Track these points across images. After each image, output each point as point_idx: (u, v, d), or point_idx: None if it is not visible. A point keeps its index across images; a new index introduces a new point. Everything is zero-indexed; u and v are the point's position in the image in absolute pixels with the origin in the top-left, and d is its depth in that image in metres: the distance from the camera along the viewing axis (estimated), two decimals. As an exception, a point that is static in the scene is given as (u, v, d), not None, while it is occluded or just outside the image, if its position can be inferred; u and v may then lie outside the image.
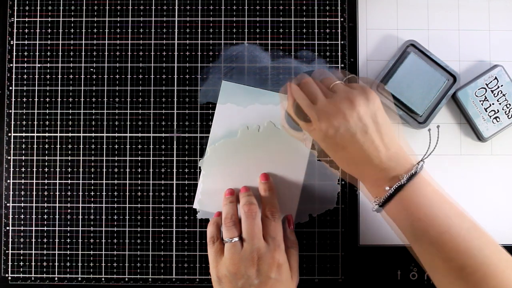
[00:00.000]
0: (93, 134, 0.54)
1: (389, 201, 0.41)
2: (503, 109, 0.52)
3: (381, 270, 0.53)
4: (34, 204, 0.54)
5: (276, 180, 0.53)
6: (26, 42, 0.55)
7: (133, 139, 0.54)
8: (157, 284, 0.53)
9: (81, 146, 0.54)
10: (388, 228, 0.53)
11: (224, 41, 0.54)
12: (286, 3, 0.55)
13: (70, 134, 0.54)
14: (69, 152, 0.54)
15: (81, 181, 0.54)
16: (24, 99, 0.54)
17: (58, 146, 0.54)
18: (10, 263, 0.54)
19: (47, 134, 0.54)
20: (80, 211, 0.54)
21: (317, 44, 0.54)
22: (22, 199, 0.54)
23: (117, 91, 0.54)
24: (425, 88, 0.52)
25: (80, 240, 0.54)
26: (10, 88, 0.54)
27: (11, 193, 0.54)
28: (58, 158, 0.54)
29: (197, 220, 0.54)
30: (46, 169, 0.54)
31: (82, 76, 0.54)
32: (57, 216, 0.54)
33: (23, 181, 0.54)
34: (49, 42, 0.55)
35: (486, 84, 0.52)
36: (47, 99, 0.54)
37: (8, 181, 0.54)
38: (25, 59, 0.55)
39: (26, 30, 0.55)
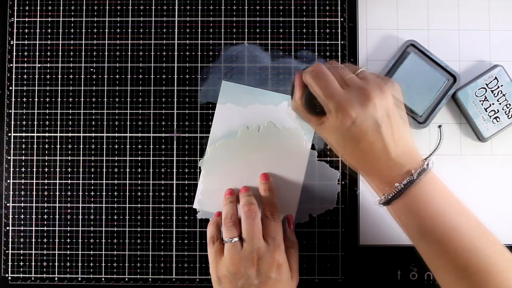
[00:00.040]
0: (93, 134, 0.54)
1: (398, 197, 0.40)
2: (503, 109, 0.52)
3: (381, 270, 0.53)
4: (34, 204, 0.54)
5: (276, 180, 0.53)
6: (26, 42, 0.55)
7: (133, 139, 0.54)
8: (157, 284, 0.53)
9: (81, 146, 0.54)
10: (388, 228, 0.53)
11: (224, 41, 0.54)
12: (286, 3, 0.55)
13: (70, 134, 0.54)
14: (69, 152, 0.54)
15: (81, 181, 0.54)
16: (24, 99, 0.54)
17: (58, 146, 0.54)
18: (10, 263, 0.54)
19: (47, 134, 0.54)
20: (80, 211, 0.54)
21: (317, 44, 0.54)
22: (22, 199, 0.54)
23: (117, 91, 0.54)
24: (425, 88, 0.52)
25: (80, 240, 0.54)
26: (10, 88, 0.54)
27: (11, 193, 0.54)
28: (58, 158, 0.54)
29: (197, 220, 0.54)
30: (46, 169, 0.54)
31: (82, 76, 0.54)
32: (57, 216, 0.54)
33: (23, 181, 0.54)
34: (49, 42, 0.55)
35: (486, 84, 0.52)
36: (47, 99, 0.54)
37: (8, 181, 0.54)
38: (25, 59, 0.55)
39: (26, 30, 0.55)
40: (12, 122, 0.54)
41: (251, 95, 0.54)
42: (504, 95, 0.52)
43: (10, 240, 0.54)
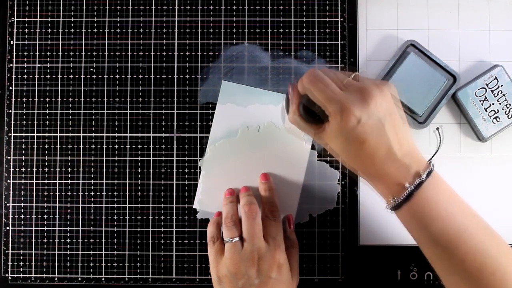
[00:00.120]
0: (93, 134, 0.54)
1: (408, 201, 0.39)
2: (503, 109, 0.52)
3: (381, 270, 0.53)
4: (34, 204, 0.54)
5: (276, 180, 0.53)
6: (26, 42, 0.55)
7: (133, 139, 0.54)
8: (157, 284, 0.53)
9: (81, 146, 0.54)
10: (388, 228, 0.53)
11: (224, 41, 0.54)
12: (286, 3, 0.55)
13: (70, 134, 0.54)
14: (69, 152, 0.54)
15: (81, 181, 0.54)
16: (24, 99, 0.54)
17: (58, 146, 0.54)
18: (10, 263, 0.54)
19: (47, 134, 0.54)
20: (80, 211, 0.54)
21: (317, 44, 0.54)
22: (22, 199, 0.54)
23: (117, 91, 0.54)
24: (425, 88, 0.52)
25: (80, 240, 0.53)
26: (10, 88, 0.54)
27: (11, 193, 0.54)
28: (58, 158, 0.54)
29: (197, 220, 0.54)
30: (46, 169, 0.54)
31: (82, 76, 0.54)
32: (57, 216, 0.54)
33: (23, 181, 0.54)
34: (49, 42, 0.55)
35: (486, 84, 0.52)
36: (47, 99, 0.54)
37: (8, 181, 0.54)
38: (25, 59, 0.55)
39: (26, 30, 0.55)
40: (12, 122, 0.54)
41: (251, 95, 0.54)
42: (504, 95, 0.52)
43: (10, 240, 0.54)
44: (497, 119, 0.52)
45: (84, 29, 0.55)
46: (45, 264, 0.53)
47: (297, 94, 0.44)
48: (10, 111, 0.54)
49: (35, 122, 0.54)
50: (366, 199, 0.53)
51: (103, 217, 0.54)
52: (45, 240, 0.54)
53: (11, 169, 0.54)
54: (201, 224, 0.54)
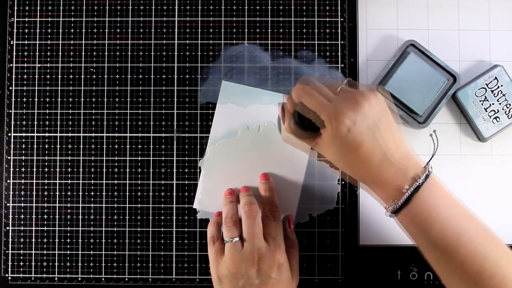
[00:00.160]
0: (93, 134, 0.54)
1: (407, 204, 0.39)
2: (503, 109, 0.52)
3: (381, 270, 0.53)
4: (34, 204, 0.54)
5: (276, 180, 0.53)
6: (26, 42, 0.55)
7: (133, 139, 0.54)
8: (157, 284, 0.53)
9: (81, 146, 0.54)
10: (388, 228, 0.53)
11: (224, 41, 0.55)
12: (286, 3, 0.55)
13: (70, 134, 0.54)
14: (69, 152, 0.54)
15: (81, 181, 0.54)
16: (24, 99, 0.54)
17: (58, 146, 0.54)
18: (10, 263, 0.54)
19: (47, 134, 0.54)
20: (80, 211, 0.54)
21: (317, 44, 0.54)
22: (22, 199, 0.54)
23: (117, 91, 0.54)
24: (425, 88, 0.52)
25: (80, 240, 0.53)
26: (10, 88, 0.54)
27: (11, 193, 0.54)
28: (58, 158, 0.54)
29: (197, 220, 0.54)
30: (46, 169, 0.54)
31: (82, 76, 0.54)
32: (57, 216, 0.54)
33: (23, 181, 0.54)
34: (49, 42, 0.55)
35: (486, 84, 0.52)
36: (47, 99, 0.54)
37: (8, 181, 0.54)
38: (25, 59, 0.55)
39: (26, 30, 0.55)
40: (12, 122, 0.54)
41: (251, 95, 0.54)
42: (504, 95, 0.52)
43: (10, 240, 0.54)
44: (497, 119, 0.52)
45: (84, 29, 0.55)
46: (45, 264, 0.53)
47: (292, 103, 0.44)
48: (10, 111, 0.54)
49: (35, 122, 0.54)
50: (366, 199, 0.53)
51: (103, 217, 0.54)
52: (45, 240, 0.54)
53: (11, 169, 0.54)
54: (201, 224, 0.54)
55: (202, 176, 0.53)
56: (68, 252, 0.53)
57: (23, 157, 0.54)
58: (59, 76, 0.54)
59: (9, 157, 0.54)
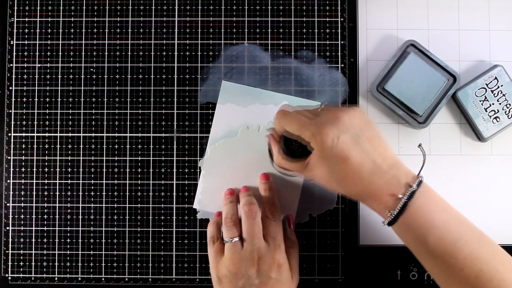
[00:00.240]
0: (93, 134, 0.54)
1: (402, 213, 0.39)
2: (503, 109, 0.52)
3: (381, 270, 0.53)
4: (34, 204, 0.54)
5: (276, 180, 0.53)
6: (26, 42, 0.55)
7: (133, 139, 0.54)
8: (157, 284, 0.53)
9: (81, 146, 0.54)
10: (388, 228, 0.53)
11: (224, 41, 0.55)
12: (286, 3, 0.55)
13: (70, 134, 0.54)
14: (69, 152, 0.54)
15: (81, 181, 0.54)
16: (24, 99, 0.54)
17: (58, 146, 0.54)
18: (10, 263, 0.54)
19: (47, 134, 0.54)
20: (80, 211, 0.54)
21: (317, 44, 0.54)
22: (22, 199, 0.54)
23: (117, 91, 0.54)
24: (425, 88, 0.52)
25: (80, 240, 0.54)
26: (10, 88, 0.54)
27: (11, 193, 0.54)
28: (58, 158, 0.54)
29: (197, 220, 0.54)
30: (46, 169, 0.54)
31: (82, 76, 0.54)
32: (57, 216, 0.54)
33: (23, 181, 0.54)
34: (49, 42, 0.55)
35: (486, 84, 0.52)
36: (47, 99, 0.54)
37: (8, 181, 0.54)
38: (25, 59, 0.55)
39: (26, 30, 0.55)
40: (12, 122, 0.54)
41: (251, 95, 0.54)
42: (504, 95, 0.52)
43: (10, 240, 0.54)
44: (497, 119, 0.52)
45: (84, 29, 0.55)
46: (45, 264, 0.53)
47: (274, 140, 0.46)
48: (10, 111, 0.54)
49: (35, 122, 0.54)
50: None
51: (103, 217, 0.54)
52: (45, 240, 0.54)
53: (11, 169, 0.54)
54: (201, 224, 0.54)
55: (202, 176, 0.53)
56: (68, 252, 0.53)
57: (23, 157, 0.54)
58: (59, 76, 0.54)
59: (9, 157, 0.54)
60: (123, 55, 0.55)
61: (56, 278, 0.53)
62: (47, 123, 0.54)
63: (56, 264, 0.53)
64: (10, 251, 0.54)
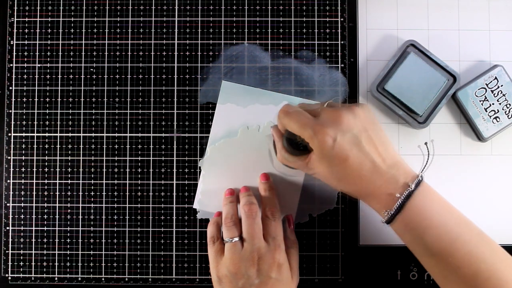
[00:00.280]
0: (93, 134, 0.54)
1: (400, 212, 0.40)
2: (503, 109, 0.52)
3: (381, 270, 0.53)
4: (34, 204, 0.54)
5: (276, 180, 0.53)
6: (26, 42, 0.55)
7: (133, 139, 0.54)
8: (157, 284, 0.53)
9: (81, 146, 0.54)
10: (388, 228, 0.53)
11: (224, 41, 0.55)
12: (286, 3, 0.55)
13: (70, 134, 0.54)
14: (69, 152, 0.54)
15: (81, 181, 0.54)
16: (24, 99, 0.54)
17: (58, 146, 0.54)
18: (10, 263, 0.54)
19: (47, 134, 0.54)
20: (80, 211, 0.54)
21: (317, 44, 0.54)
22: (22, 199, 0.54)
23: (117, 91, 0.54)
24: (425, 88, 0.52)
25: (80, 240, 0.54)
26: (10, 88, 0.54)
27: (11, 193, 0.54)
28: (58, 158, 0.54)
29: (197, 220, 0.54)
30: (46, 169, 0.54)
31: (82, 76, 0.54)
32: (57, 216, 0.54)
33: (23, 181, 0.54)
34: (49, 42, 0.55)
35: (486, 84, 0.52)
36: (47, 99, 0.54)
37: (8, 181, 0.54)
38: (25, 59, 0.55)
39: (26, 30, 0.55)
40: (12, 122, 0.54)
41: (251, 95, 0.54)
42: (504, 95, 0.52)
43: (10, 240, 0.54)
44: (497, 119, 0.52)
45: (84, 29, 0.55)
46: (45, 264, 0.53)
47: (279, 133, 0.46)
48: (10, 111, 0.54)
49: (35, 122, 0.54)
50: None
51: (103, 217, 0.54)
52: (45, 240, 0.54)
53: (11, 169, 0.54)
54: (201, 224, 0.54)
55: (202, 176, 0.53)
56: (68, 252, 0.53)
57: (23, 157, 0.54)
58: (59, 76, 0.54)
59: (9, 157, 0.54)
60: (123, 55, 0.55)
61: (56, 278, 0.53)
62: (47, 123, 0.54)
63: (56, 264, 0.53)
64: (10, 251, 0.54)
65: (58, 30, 0.55)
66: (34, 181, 0.54)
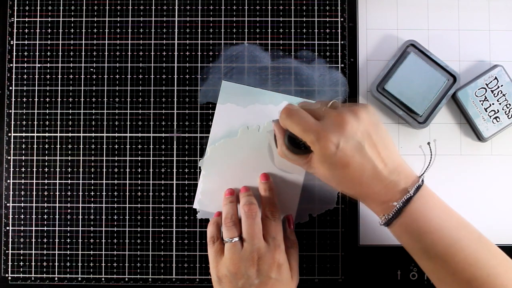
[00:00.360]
0: (93, 134, 0.54)
1: (397, 217, 0.40)
2: (503, 109, 0.52)
3: (381, 270, 0.53)
4: (34, 204, 0.54)
5: (276, 180, 0.53)
6: (26, 42, 0.55)
7: (133, 139, 0.54)
8: (157, 284, 0.53)
9: (81, 146, 0.54)
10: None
11: (224, 41, 0.55)
12: (286, 3, 0.55)
13: (70, 134, 0.54)
14: (69, 152, 0.54)
15: (81, 181, 0.54)
16: (24, 99, 0.54)
17: (58, 146, 0.54)
18: (10, 263, 0.54)
19: (47, 134, 0.54)
20: (80, 211, 0.54)
21: (317, 44, 0.54)
22: (22, 199, 0.54)
23: (117, 91, 0.54)
24: (425, 88, 0.52)
25: (80, 240, 0.54)
26: (10, 88, 0.54)
27: (11, 193, 0.54)
28: (58, 158, 0.54)
29: (197, 220, 0.54)
30: (46, 169, 0.54)
31: (82, 76, 0.54)
32: (57, 216, 0.54)
33: (23, 181, 0.54)
34: (49, 42, 0.55)
35: (486, 84, 0.52)
36: (47, 99, 0.54)
37: (8, 181, 0.54)
38: (25, 59, 0.55)
39: (26, 30, 0.55)
40: (12, 122, 0.54)
41: (251, 95, 0.54)
42: (504, 95, 0.52)
43: (10, 240, 0.54)
44: (497, 119, 0.52)
45: (84, 29, 0.55)
46: (45, 264, 0.53)
47: (281, 129, 0.45)
48: (10, 111, 0.54)
49: (35, 122, 0.54)
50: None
51: (103, 217, 0.54)
52: (45, 240, 0.54)
53: (11, 169, 0.54)
54: (201, 224, 0.54)
55: (202, 176, 0.53)
56: (68, 252, 0.53)
57: (23, 157, 0.54)
58: (59, 76, 0.54)
59: (9, 157, 0.54)
60: (123, 55, 0.55)
61: (56, 278, 0.53)
62: (47, 123, 0.54)
63: (56, 264, 0.53)
64: (10, 251, 0.54)
65: (58, 30, 0.55)
66: (34, 181, 0.54)
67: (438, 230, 0.39)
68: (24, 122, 0.54)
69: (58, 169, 0.54)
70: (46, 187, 0.54)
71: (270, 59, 0.54)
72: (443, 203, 0.41)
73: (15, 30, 0.55)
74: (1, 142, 0.54)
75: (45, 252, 0.53)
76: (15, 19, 0.55)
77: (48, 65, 0.54)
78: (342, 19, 0.54)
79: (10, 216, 0.54)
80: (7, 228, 0.54)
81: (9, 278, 0.54)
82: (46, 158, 0.54)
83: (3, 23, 0.55)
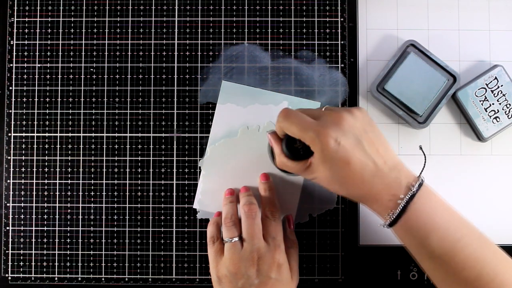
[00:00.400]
0: (93, 134, 0.54)
1: (402, 215, 0.40)
2: (503, 109, 0.52)
3: (381, 270, 0.53)
4: (34, 204, 0.54)
5: (276, 180, 0.53)
6: (26, 42, 0.55)
7: (133, 139, 0.54)
8: (157, 284, 0.53)
9: (81, 146, 0.54)
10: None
11: (224, 41, 0.55)
12: (286, 3, 0.55)
13: (70, 134, 0.54)
14: (69, 152, 0.54)
15: (81, 181, 0.54)
16: (24, 99, 0.54)
17: (58, 146, 0.54)
18: (10, 263, 0.54)
19: (47, 134, 0.54)
20: (80, 211, 0.54)
21: (317, 44, 0.54)
22: (22, 199, 0.54)
23: (117, 91, 0.54)
24: (425, 88, 0.52)
25: (80, 240, 0.54)
26: (10, 88, 0.54)
27: (11, 193, 0.54)
28: (58, 158, 0.54)
29: (197, 220, 0.54)
30: (46, 169, 0.54)
31: (82, 76, 0.54)
32: (57, 216, 0.54)
33: (23, 181, 0.54)
34: (49, 42, 0.55)
35: (486, 84, 0.52)
36: (47, 99, 0.54)
37: (8, 181, 0.54)
38: (25, 59, 0.55)
39: (26, 30, 0.55)
40: (12, 122, 0.54)
41: (251, 95, 0.54)
42: (504, 95, 0.52)
43: (10, 240, 0.54)
44: (497, 119, 0.52)
45: (84, 29, 0.55)
46: (45, 264, 0.53)
47: (276, 138, 0.45)
48: (10, 111, 0.54)
49: (35, 122, 0.54)
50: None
51: (103, 217, 0.54)
52: (45, 240, 0.54)
53: (11, 169, 0.54)
54: (201, 224, 0.54)
55: (202, 176, 0.53)
56: (68, 252, 0.53)
57: (23, 157, 0.54)
58: (59, 76, 0.54)
59: (9, 157, 0.54)
60: (123, 55, 0.55)
61: (56, 278, 0.53)
62: (47, 123, 0.54)
63: (56, 264, 0.53)
64: (10, 251, 0.54)
65: (58, 30, 0.55)
66: (34, 181, 0.54)
67: (442, 227, 0.39)
68: (24, 122, 0.54)
69: (58, 169, 0.54)
70: (46, 187, 0.54)
71: (270, 59, 0.54)
72: (444, 201, 0.41)
73: (15, 30, 0.55)
74: (1, 142, 0.54)
75: (45, 252, 0.53)
76: (15, 19, 0.55)
77: (48, 65, 0.54)
78: (342, 19, 0.54)
79: (10, 216, 0.54)
80: (7, 228, 0.54)
81: (9, 278, 0.54)
82: (46, 158, 0.54)
83: (3, 23, 0.55)
